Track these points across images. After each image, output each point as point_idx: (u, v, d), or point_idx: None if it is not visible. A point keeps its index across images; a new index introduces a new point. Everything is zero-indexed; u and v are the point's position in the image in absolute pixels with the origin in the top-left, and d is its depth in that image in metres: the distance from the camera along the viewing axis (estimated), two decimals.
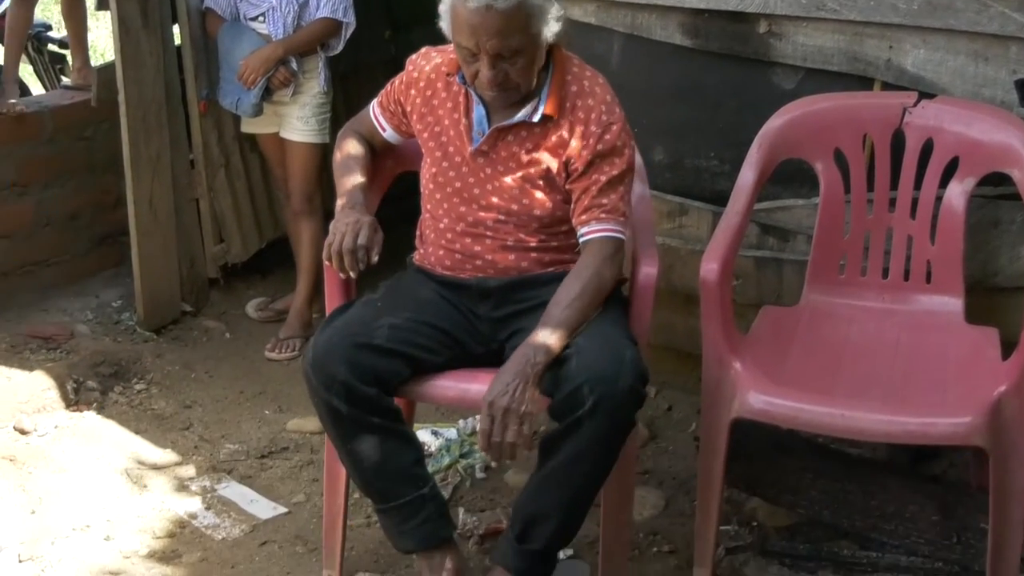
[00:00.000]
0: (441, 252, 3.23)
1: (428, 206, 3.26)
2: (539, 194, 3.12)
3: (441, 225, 3.22)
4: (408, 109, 3.23)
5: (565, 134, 3.08)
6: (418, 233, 3.33)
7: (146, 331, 4.81)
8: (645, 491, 3.70)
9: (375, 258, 3.06)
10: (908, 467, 3.54)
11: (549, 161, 3.09)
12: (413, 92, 3.21)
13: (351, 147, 3.32)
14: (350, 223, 3.07)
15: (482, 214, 3.16)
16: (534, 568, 3.09)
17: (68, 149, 5.08)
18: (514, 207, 3.13)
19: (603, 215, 3.06)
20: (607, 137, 3.07)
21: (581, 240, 3.09)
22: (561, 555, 3.45)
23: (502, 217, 3.15)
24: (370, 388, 2.99)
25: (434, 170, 3.20)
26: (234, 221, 5.15)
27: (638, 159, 3.40)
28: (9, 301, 4.89)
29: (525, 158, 3.10)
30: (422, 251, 3.31)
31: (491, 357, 3.13)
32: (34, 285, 5.02)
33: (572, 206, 3.11)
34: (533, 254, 3.16)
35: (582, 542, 3.51)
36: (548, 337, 2.95)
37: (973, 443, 2.99)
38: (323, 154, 4.77)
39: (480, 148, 3.12)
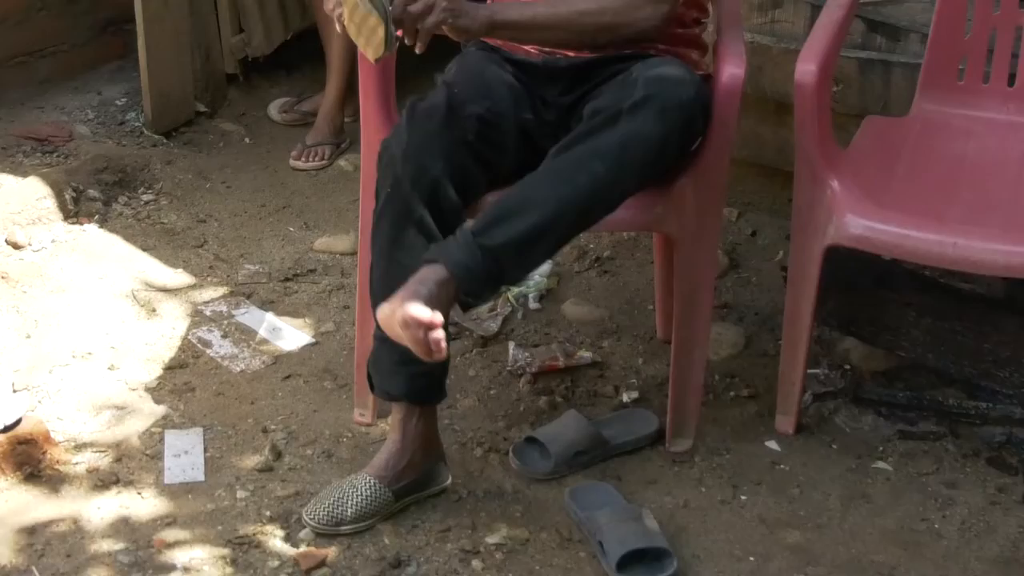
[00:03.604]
0: None
1: None
2: None
3: None
4: None
5: None
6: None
7: (154, 134, 4.81)
8: (723, 328, 3.72)
9: None
10: None
11: None
12: None
13: None
14: None
15: None
16: (475, 268, 2.85)
17: None
18: None
19: None
20: None
21: None
22: (625, 398, 3.49)
23: None
24: (456, 197, 2.98)
25: None
26: (255, 7, 5.10)
27: None
28: None
29: None
30: None
31: None
32: (27, 79, 5.02)
33: None
34: None
35: (649, 384, 3.55)
36: (507, 10, 2.97)
37: None
38: None
39: None
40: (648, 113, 2.89)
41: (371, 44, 2.85)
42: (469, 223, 2.95)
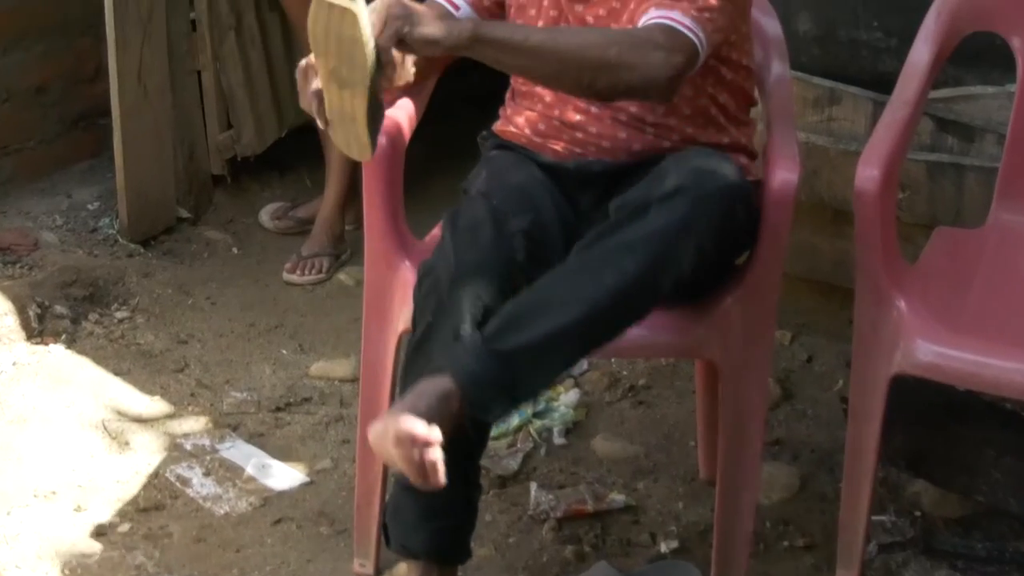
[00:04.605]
0: (534, 113, 3.25)
1: (517, 84, 3.28)
2: None
3: (537, 88, 3.23)
4: None
5: None
6: (507, 99, 3.36)
7: (130, 242, 4.84)
8: (775, 467, 3.71)
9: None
10: None
11: None
12: None
13: None
14: None
15: None
16: (484, 376, 2.80)
17: (34, 3, 5.10)
18: None
19: (667, 1, 2.96)
20: None
21: None
22: (663, 548, 3.47)
23: None
24: None
25: (520, 22, 3.20)
26: (246, 100, 5.16)
27: (774, 28, 3.39)
28: None
29: None
30: (507, 112, 3.34)
31: None
32: None
33: None
34: (650, 135, 3.15)
35: (691, 531, 3.53)
36: (495, 27, 2.96)
37: None
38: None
39: None
40: (681, 203, 2.87)
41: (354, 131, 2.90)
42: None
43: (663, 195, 2.87)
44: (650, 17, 2.95)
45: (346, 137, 2.94)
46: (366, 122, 2.87)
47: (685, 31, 2.92)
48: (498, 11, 3.30)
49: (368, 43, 2.79)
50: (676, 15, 2.93)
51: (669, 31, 2.92)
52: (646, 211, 2.87)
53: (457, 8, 3.28)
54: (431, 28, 2.87)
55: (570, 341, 2.86)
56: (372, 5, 2.89)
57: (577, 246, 2.94)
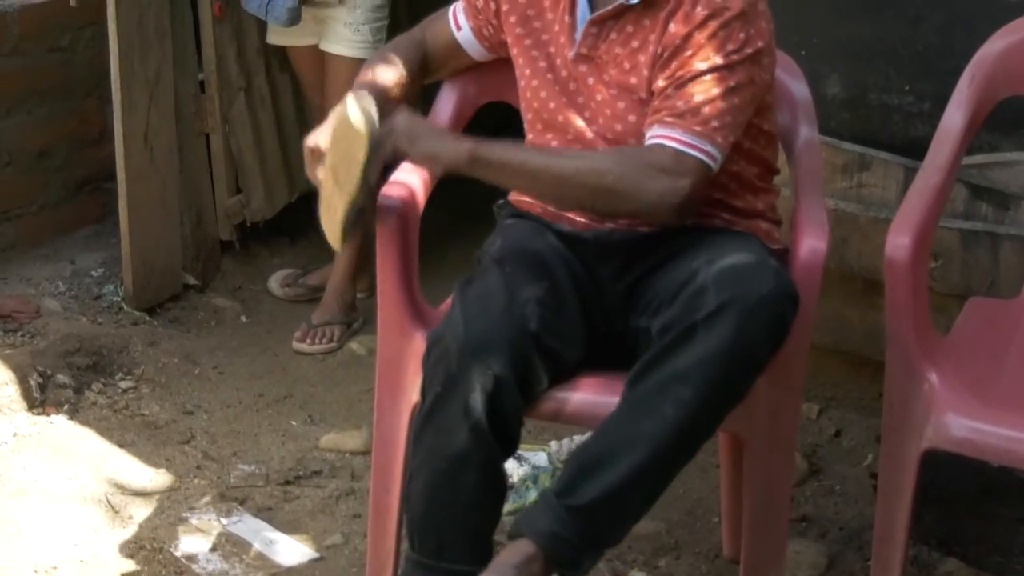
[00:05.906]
0: None
1: (530, 136, 3.31)
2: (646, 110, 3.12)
3: None
4: (505, 8, 3.29)
5: (673, 27, 3.06)
6: None
7: (135, 310, 4.85)
8: (801, 545, 3.69)
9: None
10: None
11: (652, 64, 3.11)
12: None
13: (385, 53, 3.41)
14: None
15: (591, 136, 3.18)
16: (567, 535, 2.88)
17: (38, 64, 5.15)
18: (618, 127, 3.14)
19: (669, 119, 3.00)
20: (711, 23, 3.01)
21: None
22: None
23: (615, 144, 3.16)
24: (519, 398, 2.98)
25: (535, 83, 3.25)
26: (256, 165, 5.19)
27: (802, 91, 3.41)
28: None
29: (627, 63, 3.12)
30: None
31: (614, 344, 3.15)
32: None
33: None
34: None
35: None
36: (494, 148, 3.03)
37: None
38: None
39: (580, 51, 3.17)
40: (728, 322, 2.86)
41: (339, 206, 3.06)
42: (548, 483, 2.96)
43: (707, 315, 2.87)
44: (653, 136, 3.00)
45: (327, 222, 3.12)
46: (342, 221, 3.04)
47: (689, 151, 2.97)
48: (499, 45, 3.37)
49: (362, 170, 2.98)
50: (678, 134, 2.97)
51: (673, 154, 2.97)
52: (692, 335, 2.87)
53: (460, 29, 3.39)
54: (431, 145, 3.03)
55: (645, 481, 2.91)
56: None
57: (629, 377, 2.95)
